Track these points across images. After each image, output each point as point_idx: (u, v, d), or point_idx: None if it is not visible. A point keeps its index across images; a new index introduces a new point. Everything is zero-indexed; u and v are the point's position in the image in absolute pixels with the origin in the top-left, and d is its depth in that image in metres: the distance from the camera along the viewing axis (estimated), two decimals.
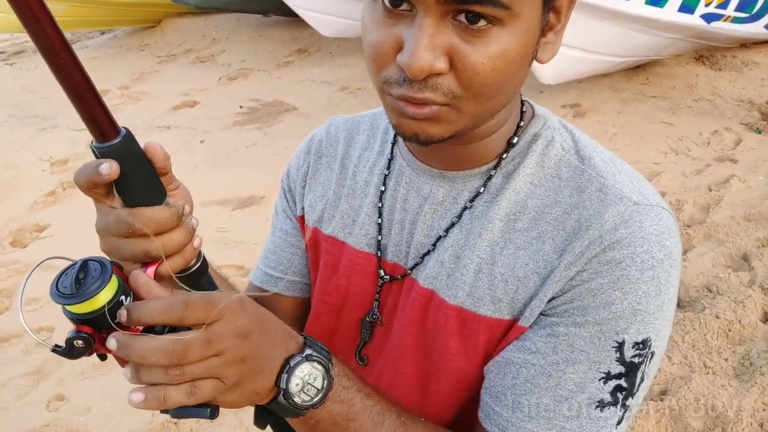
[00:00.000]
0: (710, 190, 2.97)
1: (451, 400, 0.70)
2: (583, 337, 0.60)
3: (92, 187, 0.52)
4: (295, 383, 0.56)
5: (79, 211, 3.55)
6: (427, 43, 0.53)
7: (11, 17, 5.93)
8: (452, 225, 0.69)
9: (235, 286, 0.81)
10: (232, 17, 7.09)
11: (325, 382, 0.58)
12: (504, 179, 0.68)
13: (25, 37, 7.86)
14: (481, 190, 0.68)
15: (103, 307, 0.50)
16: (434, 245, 0.70)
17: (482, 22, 0.53)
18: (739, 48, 4.33)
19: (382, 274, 0.74)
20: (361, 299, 0.77)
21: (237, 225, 3.27)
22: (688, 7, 3.45)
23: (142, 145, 0.54)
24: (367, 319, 0.76)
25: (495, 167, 0.68)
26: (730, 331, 2.07)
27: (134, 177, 0.53)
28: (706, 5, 3.53)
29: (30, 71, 6.50)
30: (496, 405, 0.64)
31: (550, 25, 0.60)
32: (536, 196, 0.66)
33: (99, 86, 0.49)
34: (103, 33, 7.86)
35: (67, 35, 0.47)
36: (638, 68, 4.22)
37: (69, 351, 0.50)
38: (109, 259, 0.53)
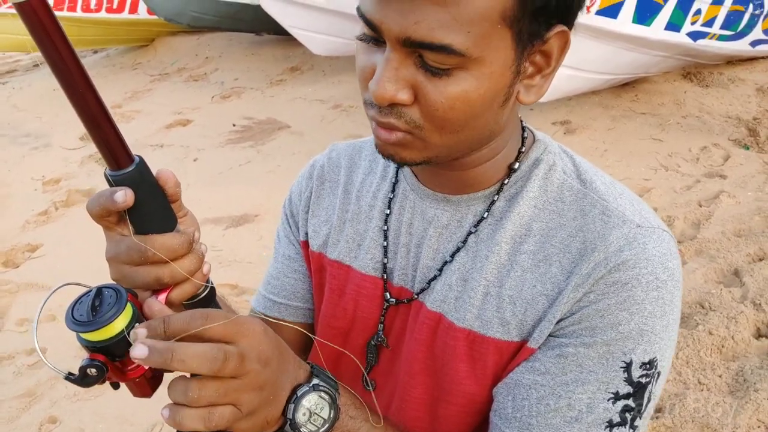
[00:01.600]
0: (700, 206, 3.00)
1: (461, 424, 0.71)
2: (591, 357, 0.61)
3: (106, 215, 0.53)
4: (301, 413, 0.56)
5: (71, 230, 3.53)
6: (390, 75, 0.56)
7: (9, 36, 5.93)
8: (458, 249, 0.70)
9: (237, 312, 0.81)
10: (224, 36, 7.13)
11: (332, 412, 0.58)
12: (507, 203, 0.69)
13: (17, 56, 7.86)
14: (485, 215, 0.69)
15: (119, 334, 0.50)
16: (440, 270, 0.71)
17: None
18: (726, 65, 4.39)
19: (388, 297, 0.75)
20: (367, 323, 0.77)
21: (230, 243, 3.26)
22: (674, 26, 3.50)
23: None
24: (373, 342, 0.77)
25: (498, 191, 0.69)
26: (723, 347, 2.08)
27: (147, 204, 0.53)
28: (692, 23, 3.58)
29: (22, 90, 6.49)
30: (506, 427, 0.65)
31: (538, 67, 0.61)
32: (541, 219, 0.67)
33: None
34: (95, 52, 7.87)
35: None
36: (627, 85, 4.27)
37: (82, 379, 0.50)
38: (122, 286, 0.53)
